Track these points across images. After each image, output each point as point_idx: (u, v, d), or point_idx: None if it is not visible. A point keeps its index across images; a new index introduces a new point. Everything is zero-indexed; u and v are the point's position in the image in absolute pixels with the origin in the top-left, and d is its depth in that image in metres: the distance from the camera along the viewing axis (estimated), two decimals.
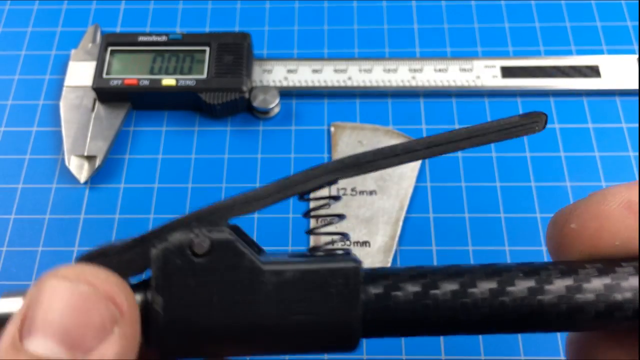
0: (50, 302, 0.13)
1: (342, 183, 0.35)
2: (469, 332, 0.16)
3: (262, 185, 0.16)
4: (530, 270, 0.16)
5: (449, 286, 0.15)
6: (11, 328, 0.13)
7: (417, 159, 0.16)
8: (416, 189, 0.35)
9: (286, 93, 0.38)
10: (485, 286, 0.15)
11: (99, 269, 0.14)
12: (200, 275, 0.15)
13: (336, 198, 0.18)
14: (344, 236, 0.18)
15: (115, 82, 0.37)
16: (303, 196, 0.17)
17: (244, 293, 0.15)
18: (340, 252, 0.16)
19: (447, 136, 0.16)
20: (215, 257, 0.15)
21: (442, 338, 0.31)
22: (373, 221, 0.34)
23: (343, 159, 0.16)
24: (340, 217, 0.19)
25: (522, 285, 0.15)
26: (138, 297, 0.15)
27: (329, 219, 0.18)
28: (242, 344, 0.15)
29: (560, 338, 0.31)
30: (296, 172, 0.16)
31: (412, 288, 0.15)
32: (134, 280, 0.16)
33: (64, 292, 0.13)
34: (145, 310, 0.15)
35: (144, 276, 0.16)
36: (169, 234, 0.15)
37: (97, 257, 0.15)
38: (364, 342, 0.31)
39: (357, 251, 0.33)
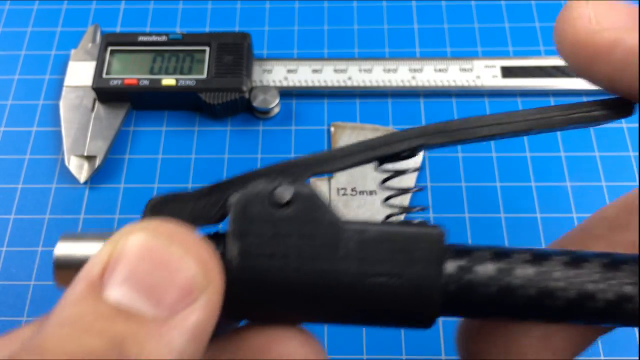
0: (138, 254, 0.13)
1: (342, 183, 0.35)
2: (548, 319, 0.15)
3: (344, 145, 0.16)
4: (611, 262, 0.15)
5: (532, 269, 0.15)
6: (90, 273, 0.13)
7: (505, 134, 0.16)
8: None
9: (286, 93, 0.38)
10: (568, 273, 0.15)
11: (192, 232, 0.13)
12: (280, 225, 0.14)
13: (417, 169, 0.18)
14: (423, 209, 0.18)
15: (115, 82, 0.37)
16: (383, 162, 0.16)
17: (324, 247, 0.14)
18: (417, 222, 0.15)
19: (541, 112, 0.16)
20: (296, 209, 0.14)
21: (442, 338, 0.31)
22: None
23: (428, 125, 0.16)
24: (421, 189, 0.19)
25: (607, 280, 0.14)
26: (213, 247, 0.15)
27: (409, 189, 0.18)
28: (315, 304, 0.15)
29: None
30: (377, 141, 0.16)
31: (495, 265, 0.15)
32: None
33: (156, 248, 0.13)
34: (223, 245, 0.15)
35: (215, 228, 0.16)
36: (250, 183, 0.15)
37: (172, 201, 0.15)
38: (364, 341, 0.31)
39: None
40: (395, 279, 0.14)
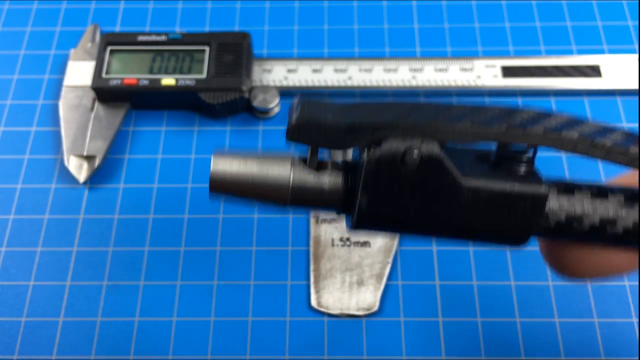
0: None
1: None
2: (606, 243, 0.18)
3: (482, 119, 0.17)
4: None
5: (629, 219, 0.17)
6: None
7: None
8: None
9: (286, 93, 0.38)
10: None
11: None
12: (405, 184, 0.16)
13: None
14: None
15: (114, 82, 0.36)
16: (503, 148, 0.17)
17: (441, 205, 0.17)
18: (525, 167, 0.17)
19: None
20: (422, 170, 0.16)
21: (442, 338, 0.31)
22: None
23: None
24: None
25: None
26: (341, 179, 0.17)
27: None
28: (429, 234, 0.18)
29: (561, 340, 0.31)
30: (522, 121, 0.17)
31: (593, 220, 0.17)
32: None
33: None
34: (350, 193, 0.17)
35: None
36: (384, 138, 0.16)
37: (314, 126, 0.17)
38: (364, 342, 0.31)
39: (357, 251, 0.33)
40: (496, 231, 0.17)
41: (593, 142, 0.17)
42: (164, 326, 0.32)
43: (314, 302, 0.32)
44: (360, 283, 0.32)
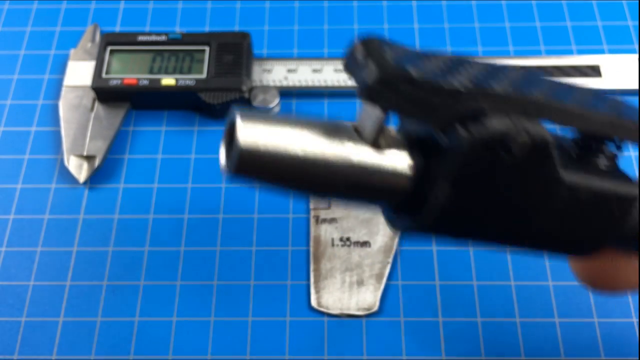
0: None
1: None
2: None
3: (591, 104, 0.13)
4: None
5: None
6: None
7: None
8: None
9: (286, 93, 0.38)
10: None
11: None
12: (503, 176, 0.13)
13: None
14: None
15: (114, 82, 0.36)
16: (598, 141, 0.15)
17: (535, 203, 0.13)
18: (609, 162, 0.14)
19: None
20: (526, 159, 0.13)
21: (442, 339, 0.31)
22: (373, 221, 0.34)
23: None
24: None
25: None
26: (410, 161, 0.13)
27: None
28: (499, 241, 0.14)
29: (561, 340, 0.31)
30: (630, 114, 0.14)
31: None
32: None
33: None
34: (419, 182, 0.13)
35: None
36: (486, 117, 0.12)
37: (406, 81, 0.12)
38: (364, 342, 0.31)
39: (357, 251, 0.33)
40: (583, 234, 0.14)
41: None
42: (164, 326, 0.31)
43: (314, 302, 0.32)
44: (360, 283, 0.32)
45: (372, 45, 0.13)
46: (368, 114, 0.13)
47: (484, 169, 0.12)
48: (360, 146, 0.13)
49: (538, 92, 0.13)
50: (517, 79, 0.13)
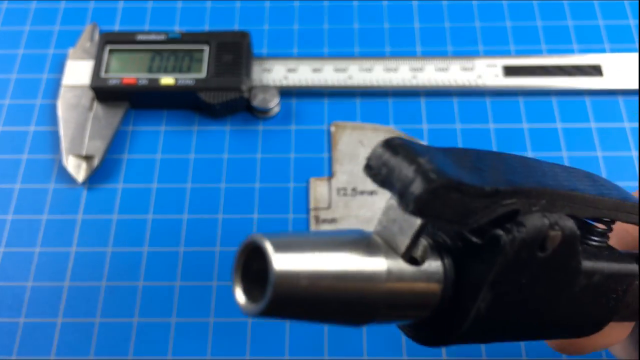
0: None
1: (343, 182, 0.35)
2: None
3: (601, 191, 0.14)
4: None
5: None
6: None
7: None
8: None
9: (286, 92, 0.38)
10: None
11: None
12: (534, 273, 0.12)
13: None
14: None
15: (113, 82, 0.36)
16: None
17: (556, 294, 0.13)
18: (600, 241, 0.15)
19: None
20: (557, 253, 0.12)
21: None
22: (373, 221, 0.34)
23: None
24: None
25: None
26: (442, 270, 0.12)
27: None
28: (518, 337, 0.14)
29: None
30: (631, 199, 0.14)
31: None
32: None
33: None
34: (455, 292, 0.12)
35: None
36: (524, 216, 0.12)
37: (455, 190, 0.11)
38: (365, 342, 0.31)
39: None
40: (587, 318, 0.14)
41: None
42: (163, 327, 0.31)
43: None
44: None
45: (403, 150, 0.12)
46: (401, 222, 0.12)
47: (522, 268, 0.12)
48: (398, 262, 0.12)
49: (555, 183, 0.13)
50: (529, 168, 0.13)
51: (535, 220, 0.12)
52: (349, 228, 0.11)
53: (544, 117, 0.37)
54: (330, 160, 0.36)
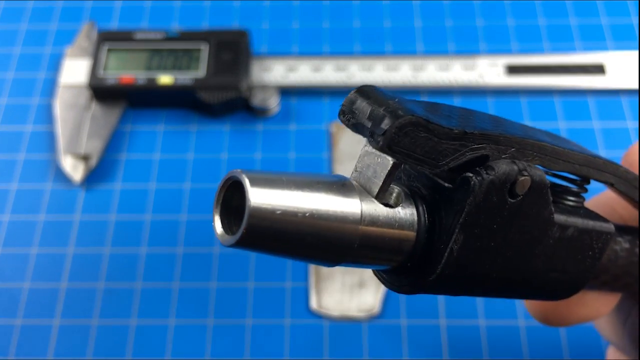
0: None
1: None
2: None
3: (567, 145, 0.14)
4: None
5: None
6: None
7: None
8: None
9: (286, 91, 0.37)
10: None
11: None
12: (505, 218, 0.13)
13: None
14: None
15: (111, 80, 0.36)
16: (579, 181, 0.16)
17: (530, 244, 0.14)
18: (577, 201, 0.15)
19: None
20: (526, 200, 0.13)
21: (444, 341, 0.31)
22: None
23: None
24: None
25: None
26: (415, 215, 0.12)
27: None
28: (494, 290, 0.15)
29: (565, 341, 0.30)
30: (598, 157, 0.15)
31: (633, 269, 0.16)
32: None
33: None
34: (428, 236, 0.12)
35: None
36: (493, 161, 0.13)
37: (423, 129, 0.12)
38: (365, 342, 0.31)
39: None
40: (565, 275, 0.15)
41: None
42: (161, 329, 0.31)
43: (314, 304, 0.31)
44: (361, 285, 0.32)
45: (373, 94, 0.12)
46: (374, 166, 0.12)
47: (492, 211, 0.13)
48: (372, 204, 0.12)
49: (524, 134, 0.13)
50: (499, 122, 0.14)
51: (504, 165, 0.12)
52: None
53: (546, 116, 0.37)
54: (330, 160, 0.36)
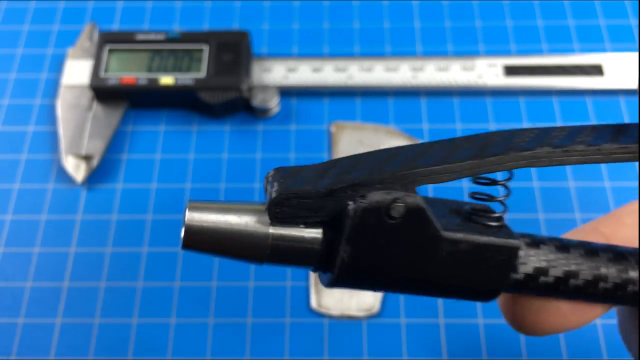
0: None
1: None
2: (574, 297, 0.18)
3: (455, 156, 0.17)
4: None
5: (589, 272, 0.18)
6: None
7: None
8: (417, 189, 0.35)
9: (286, 92, 0.38)
10: (613, 272, 0.18)
11: None
12: (389, 235, 0.16)
13: (507, 184, 0.19)
14: (505, 198, 0.19)
15: (112, 81, 0.36)
16: (478, 179, 0.18)
17: (422, 256, 0.17)
18: (496, 222, 0.17)
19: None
20: (406, 221, 0.16)
21: (443, 340, 0.31)
22: None
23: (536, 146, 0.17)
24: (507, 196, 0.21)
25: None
26: (321, 233, 0.17)
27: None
28: (404, 289, 0.18)
29: (564, 341, 0.31)
30: (493, 148, 0.17)
31: (557, 273, 0.18)
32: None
33: None
34: (329, 247, 0.17)
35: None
36: (368, 192, 0.16)
37: (294, 197, 0.16)
38: (365, 342, 0.31)
39: None
40: (469, 282, 0.17)
41: (566, 151, 0.17)
42: (162, 328, 0.31)
43: (314, 303, 0.32)
44: None
45: (275, 175, 0.17)
46: None
47: (375, 230, 0.16)
48: (279, 225, 0.17)
49: (411, 164, 0.17)
50: (403, 155, 0.17)
51: (377, 194, 0.16)
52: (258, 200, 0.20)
53: (545, 117, 0.37)
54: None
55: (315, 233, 0.17)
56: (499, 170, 0.17)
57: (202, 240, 0.16)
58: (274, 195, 0.16)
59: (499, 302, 0.20)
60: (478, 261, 0.17)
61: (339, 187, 0.16)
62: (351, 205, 0.16)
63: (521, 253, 0.18)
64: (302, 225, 0.17)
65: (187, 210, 0.16)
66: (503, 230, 0.17)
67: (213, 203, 0.17)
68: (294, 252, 0.17)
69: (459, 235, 0.17)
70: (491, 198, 0.18)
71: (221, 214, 0.16)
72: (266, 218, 0.17)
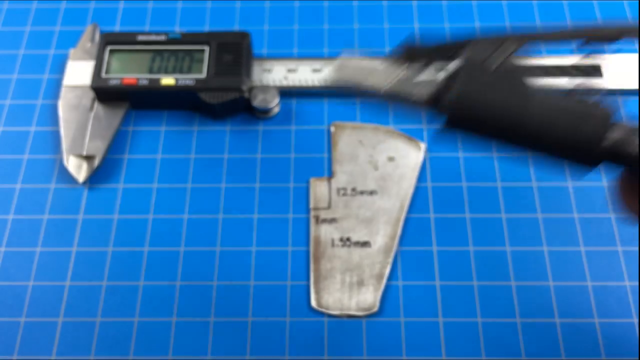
0: None
1: (342, 183, 0.35)
2: None
3: (552, 27, 0.22)
4: None
5: None
6: None
7: None
8: (417, 189, 0.35)
9: (286, 93, 0.38)
10: None
11: None
12: (492, 77, 0.21)
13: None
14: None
15: (113, 82, 0.36)
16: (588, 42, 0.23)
17: (518, 98, 0.21)
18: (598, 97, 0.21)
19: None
20: (503, 73, 0.21)
21: (442, 339, 0.31)
22: (373, 221, 0.34)
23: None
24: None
25: None
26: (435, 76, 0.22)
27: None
28: (508, 136, 0.21)
29: (561, 340, 0.31)
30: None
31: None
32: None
33: None
34: (444, 87, 0.22)
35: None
36: (476, 48, 0.21)
37: (422, 48, 0.23)
38: (365, 342, 0.31)
39: (357, 251, 0.33)
40: (566, 139, 0.20)
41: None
42: (164, 326, 0.31)
43: (314, 303, 0.32)
44: (361, 283, 0.32)
45: (412, 46, 0.24)
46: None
47: (481, 73, 0.21)
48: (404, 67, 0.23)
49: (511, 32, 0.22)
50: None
51: (480, 46, 0.22)
52: None
53: None
54: (330, 160, 0.36)
55: (434, 75, 0.22)
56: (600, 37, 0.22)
57: (347, 72, 0.23)
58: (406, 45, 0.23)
59: (618, 193, 0.22)
60: (572, 118, 0.20)
61: (456, 43, 0.22)
62: (463, 55, 0.21)
63: (613, 119, 0.20)
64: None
65: (341, 56, 0.23)
66: (601, 105, 0.21)
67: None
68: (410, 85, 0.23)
69: (550, 99, 0.20)
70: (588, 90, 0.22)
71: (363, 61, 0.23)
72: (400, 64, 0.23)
